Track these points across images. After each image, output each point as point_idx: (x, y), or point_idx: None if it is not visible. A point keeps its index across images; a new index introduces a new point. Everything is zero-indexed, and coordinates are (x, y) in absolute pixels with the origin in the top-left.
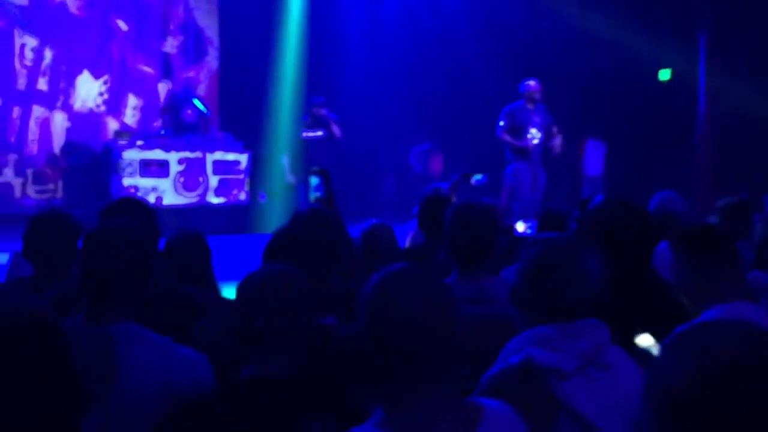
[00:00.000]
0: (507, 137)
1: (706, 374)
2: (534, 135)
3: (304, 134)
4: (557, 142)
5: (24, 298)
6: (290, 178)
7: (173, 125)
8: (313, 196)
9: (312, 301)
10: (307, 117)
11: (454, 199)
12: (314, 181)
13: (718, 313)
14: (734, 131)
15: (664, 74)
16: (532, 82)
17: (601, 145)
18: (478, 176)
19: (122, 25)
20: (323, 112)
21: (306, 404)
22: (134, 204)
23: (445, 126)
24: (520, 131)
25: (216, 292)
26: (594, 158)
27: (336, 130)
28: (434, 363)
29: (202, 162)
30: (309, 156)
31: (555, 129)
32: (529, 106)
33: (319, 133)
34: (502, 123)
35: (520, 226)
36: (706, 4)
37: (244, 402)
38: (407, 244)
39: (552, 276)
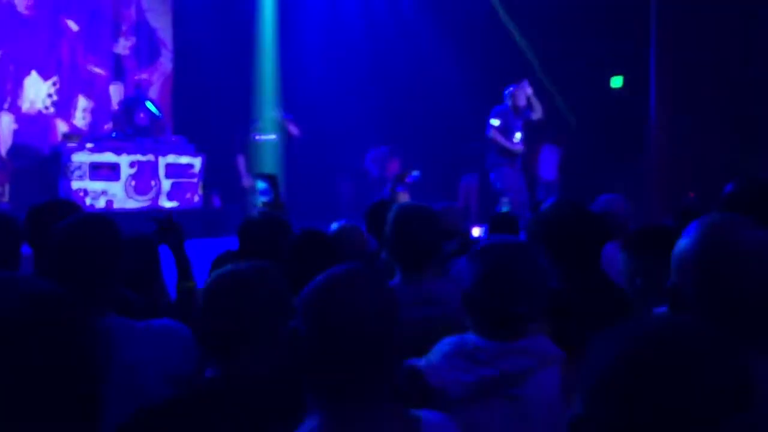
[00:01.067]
0: (500, 138)
1: (629, 362)
2: (518, 139)
3: (258, 137)
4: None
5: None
6: (245, 182)
7: (125, 128)
8: (261, 200)
9: (284, 301)
10: (260, 120)
11: (403, 200)
12: (261, 185)
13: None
14: (684, 138)
15: (616, 81)
16: (515, 88)
17: (556, 150)
18: (414, 173)
19: (72, 26)
20: (278, 113)
21: (274, 407)
22: (65, 206)
23: (401, 129)
24: (506, 135)
25: (165, 297)
26: (549, 163)
27: (293, 129)
28: (375, 368)
29: (154, 165)
30: (263, 158)
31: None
32: (513, 110)
33: (273, 136)
34: (497, 122)
35: (476, 231)
36: (656, 13)
37: (209, 405)
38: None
39: (500, 288)
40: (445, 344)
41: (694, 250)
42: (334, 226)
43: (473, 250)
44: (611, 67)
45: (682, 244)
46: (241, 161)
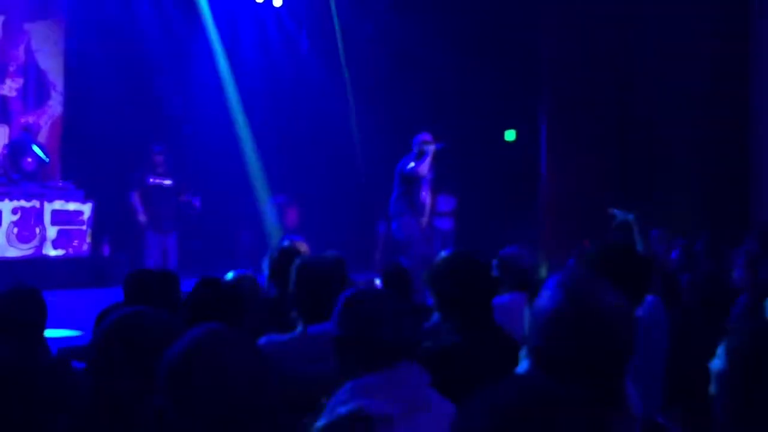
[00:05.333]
0: (420, 171)
1: (494, 425)
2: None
3: (151, 180)
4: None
5: None
6: (142, 218)
7: (11, 173)
8: None
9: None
10: (149, 164)
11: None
12: None
13: None
14: (572, 191)
15: (510, 135)
16: (425, 135)
17: (452, 200)
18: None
19: None
20: (162, 159)
21: None
22: None
23: (299, 178)
24: (416, 183)
25: (47, 353)
26: (444, 211)
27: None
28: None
29: (39, 212)
30: (155, 203)
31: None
32: (419, 157)
33: (168, 181)
34: (412, 165)
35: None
36: (547, 67)
37: None
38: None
39: (368, 323)
40: (342, 393)
41: (561, 310)
42: (230, 275)
43: (340, 300)
44: (504, 121)
45: (544, 303)
46: (135, 198)
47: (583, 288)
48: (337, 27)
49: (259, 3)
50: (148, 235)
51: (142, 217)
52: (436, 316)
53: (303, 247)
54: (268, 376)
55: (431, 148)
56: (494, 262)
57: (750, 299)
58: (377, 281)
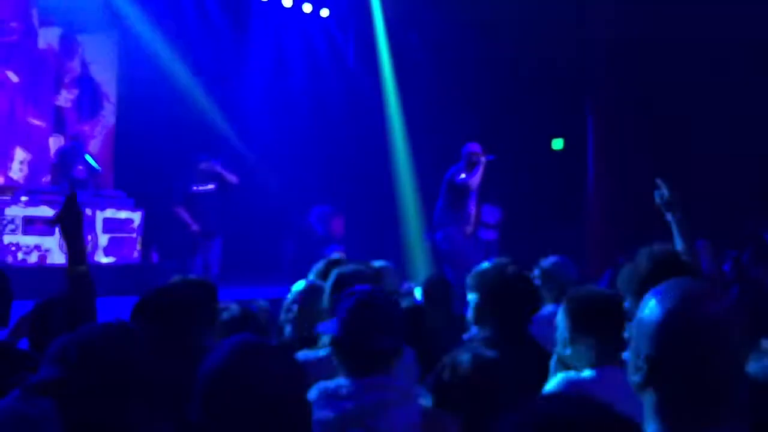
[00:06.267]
0: (470, 183)
1: None
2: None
3: (195, 188)
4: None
5: None
6: (195, 227)
7: (61, 180)
8: None
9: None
10: (194, 173)
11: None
12: None
13: (592, 375)
14: (621, 199)
15: (558, 143)
16: (474, 145)
17: (497, 211)
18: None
19: (12, 77)
20: (212, 166)
21: None
22: None
23: (345, 187)
24: (463, 194)
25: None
26: (489, 223)
27: (231, 178)
28: None
29: (90, 220)
30: (200, 210)
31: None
32: (469, 168)
33: (210, 186)
34: (464, 176)
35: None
36: (592, 80)
37: None
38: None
39: (359, 327)
40: (313, 390)
41: (672, 320)
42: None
43: (339, 298)
44: (552, 129)
45: (654, 314)
46: (182, 212)
47: (695, 296)
48: (383, 37)
49: (306, 14)
50: (199, 240)
51: (195, 227)
52: (474, 329)
53: (342, 256)
54: (303, 386)
55: (483, 160)
56: (536, 272)
57: None
58: (415, 290)
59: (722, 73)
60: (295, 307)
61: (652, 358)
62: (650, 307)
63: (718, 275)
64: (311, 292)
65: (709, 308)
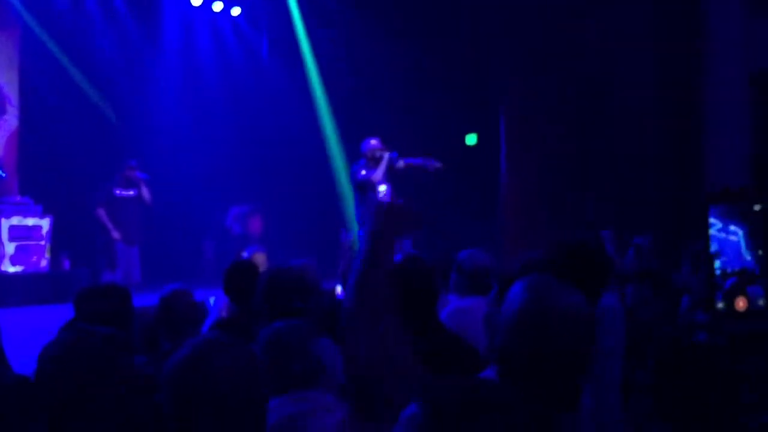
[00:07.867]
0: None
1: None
2: (382, 191)
3: (117, 192)
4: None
5: None
6: (114, 234)
7: None
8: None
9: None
10: (119, 177)
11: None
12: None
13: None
14: (533, 194)
15: (471, 139)
16: (374, 141)
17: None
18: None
19: None
20: (135, 174)
21: None
22: None
23: (263, 187)
24: (367, 190)
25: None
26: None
27: (145, 192)
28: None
29: None
30: (122, 218)
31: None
32: (371, 164)
33: (131, 192)
34: (364, 172)
35: (339, 289)
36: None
37: None
38: (220, 314)
39: (281, 351)
40: None
41: (520, 312)
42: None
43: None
44: (465, 125)
45: (508, 305)
46: (102, 214)
47: (544, 289)
48: (299, 33)
49: (216, 12)
50: (118, 247)
51: (115, 234)
52: None
53: (261, 258)
54: (258, 374)
55: (387, 155)
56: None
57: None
58: (339, 289)
59: (630, 68)
60: None
61: (501, 348)
62: (506, 301)
63: (619, 265)
64: None
65: (556, 302)
